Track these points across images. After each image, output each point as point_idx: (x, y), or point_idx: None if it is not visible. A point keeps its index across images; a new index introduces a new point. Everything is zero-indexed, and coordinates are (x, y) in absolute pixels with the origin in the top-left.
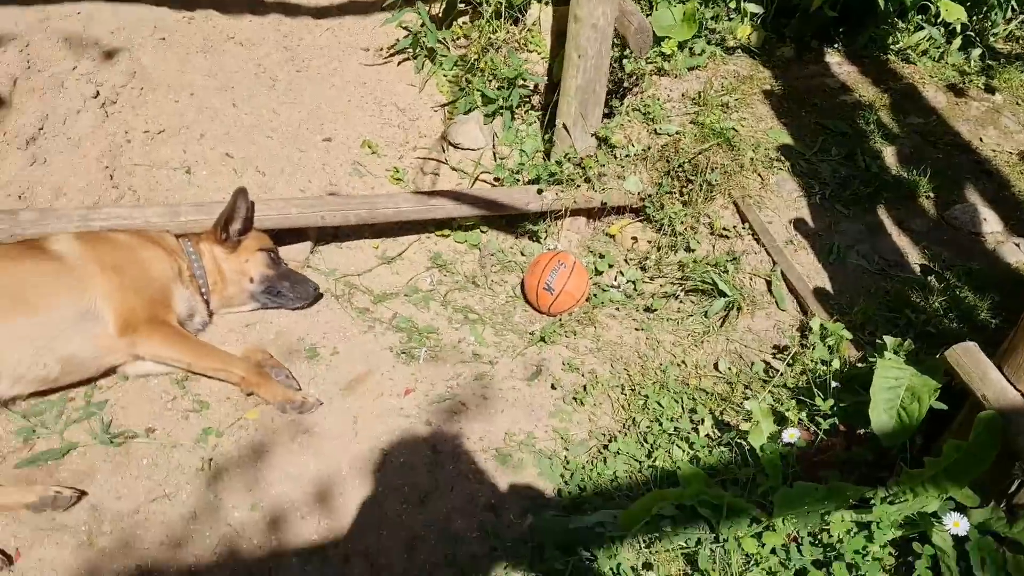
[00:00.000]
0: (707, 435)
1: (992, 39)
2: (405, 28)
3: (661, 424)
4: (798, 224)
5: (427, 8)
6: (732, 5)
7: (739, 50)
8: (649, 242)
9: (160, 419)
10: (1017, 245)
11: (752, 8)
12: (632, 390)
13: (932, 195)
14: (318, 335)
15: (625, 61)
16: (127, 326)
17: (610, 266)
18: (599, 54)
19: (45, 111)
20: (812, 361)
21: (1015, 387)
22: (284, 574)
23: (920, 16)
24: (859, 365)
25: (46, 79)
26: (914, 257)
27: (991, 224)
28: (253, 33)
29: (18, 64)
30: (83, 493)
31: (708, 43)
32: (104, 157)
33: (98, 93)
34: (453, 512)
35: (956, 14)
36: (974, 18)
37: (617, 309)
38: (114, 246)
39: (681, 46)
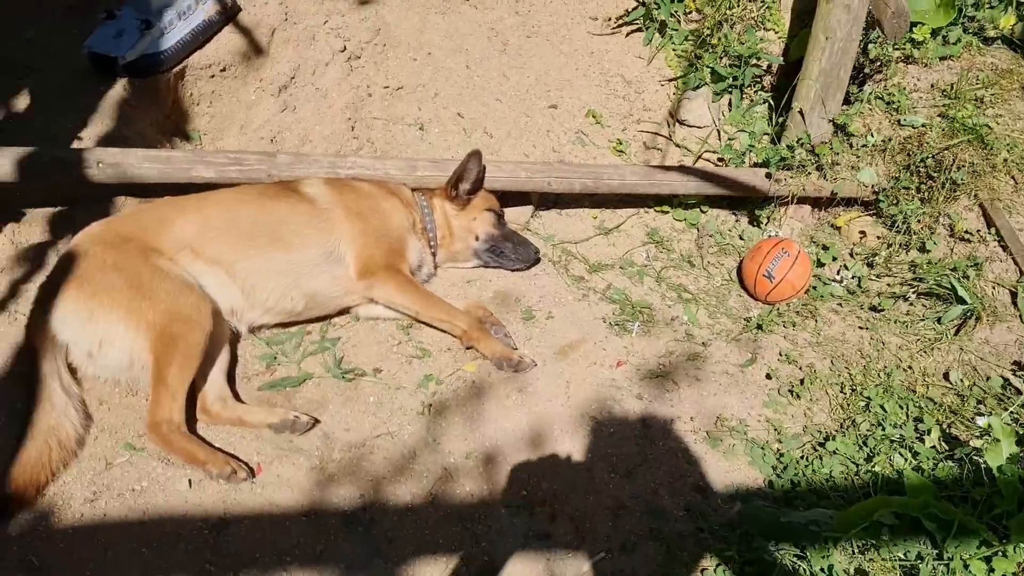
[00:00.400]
0: (933, 447)
1: None
2: None
3: (883, 429)
4: None
5: None
6: None
7: (999, 41)
8: (879, 238)
9: (386, 361)
10: None
11: None
12: (853, 390)
13: None
14: (534, 298)
15: (871, 45)
16: (366, 270)
17: (834, 259)
18: (848, 37)
19: (297, 62)
20: None
21: None
22: (493, 523)
23: None
24: None
25: (300, 31)
26: None
27: None
28: None
29: (277, 16)
30: (316, 421)
31: (965, 32)
32: (347, 109)
33: (345, 47)
34: (660, 488)
35: None
36: None
37: (840, 304)
38: (359, 194)
39: (934, 33)
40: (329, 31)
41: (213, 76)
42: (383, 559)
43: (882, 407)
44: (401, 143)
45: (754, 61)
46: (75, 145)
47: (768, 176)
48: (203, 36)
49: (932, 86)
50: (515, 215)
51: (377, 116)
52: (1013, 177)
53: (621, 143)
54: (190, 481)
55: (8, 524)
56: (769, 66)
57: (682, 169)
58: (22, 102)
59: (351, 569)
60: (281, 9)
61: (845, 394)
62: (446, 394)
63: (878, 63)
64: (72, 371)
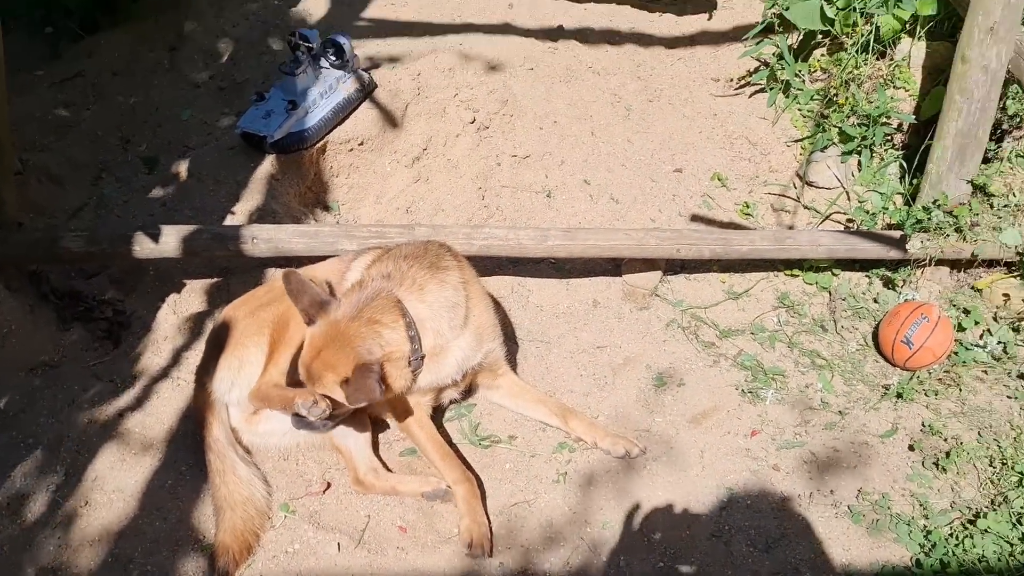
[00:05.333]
0: None
1: None
2: (760, 60)
3: None
4: None
5: (786, 38)
6: None
7: None
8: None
9: (520, 428)
10: None
11: None
12: (1003, 463)
13: None
14: (665, 364)
15: (1009, 101)
16: None
17: (976, 323)
18: (986, 98)
19: (429, 134)
20: None
21: None
22: None
23: None
24: None
25: (431, 104)
26: None
27: None
28: (609, 63)
29: (411, 91)
30: None
31: None
32: (477, 178)
33: (474, 119)
34: (801, 565)
35: None
36: None
37: (985, 372)
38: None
39: None
40: (459, 103)
41: (351, 150)
42: None
43: None
44: (529, 210)
45: (884, 120)
46: (228, 219)
47: (903, 238)
48: (343, 112)
49: None
50: (643, 281)
51: (505, 184)
52: None
53: (748, 206)
54: (339, 545)
55: None
56: (900, 124)
57: (813, 232)
58: (182, 178)
59: None
60: (414, 84)
61: (995, 468)
62: (580, 463)
63: (1018, 119)
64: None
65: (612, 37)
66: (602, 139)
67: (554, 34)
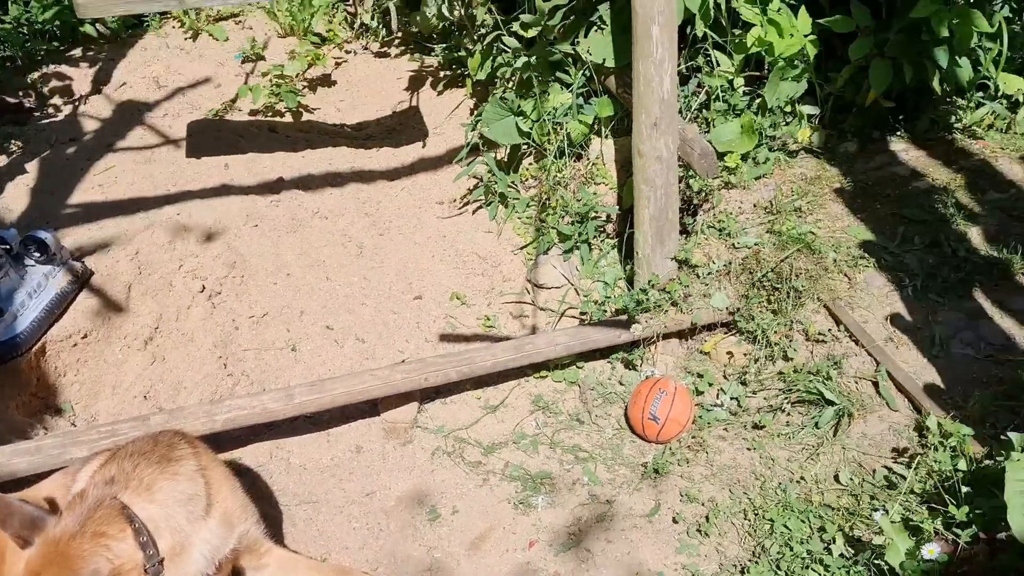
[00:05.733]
0: (841, 554)
1: None
2: (475, 177)
3: (792, 548)
4: (895, 320)
5: (494, 155)
6: (788, 110)
7: (802, 152)
8: (745, 355)
9: None
10: None
11: (808, 110)
12: (756, 514)
13: None
14: (436, 494)
15: (692, 180)
16: None
17: (710, 384)
18: (667, 183)
19: (158, 311)
20: (936, 462)
21: None
22: None
23: (980, 93)
24: (987, 463)
25: (156, 281)
26: (1021, 337)
27: None
28: (335, 205)
29: (130, 271)
30: None
31: (770, 150)
32: (216, 347)
33: (203, 287)
34: None
35: (1016, 85)
36: None
37: (725, 429)
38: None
39: (744, 157)
40: (185, 274)
41: (75, 344)
42: None
43: (785, 526)
44: (276, 369)
45: (593, 214)
46: None
47: (630, 321)
48: (58, 308)
49: (755, 205)
50: (401, 415)
51: (247, 347)
52: (845, 274)
53: (489, 319)
54: None
55: None
56: (608, 216)
57: (548, 334)
58: None
59: None
60: (134, 264)
61: (750, 520)
62: None
63: (704, 193)
64: None
65: (334, 180)
66: (339, 281)
67: (275, 187)
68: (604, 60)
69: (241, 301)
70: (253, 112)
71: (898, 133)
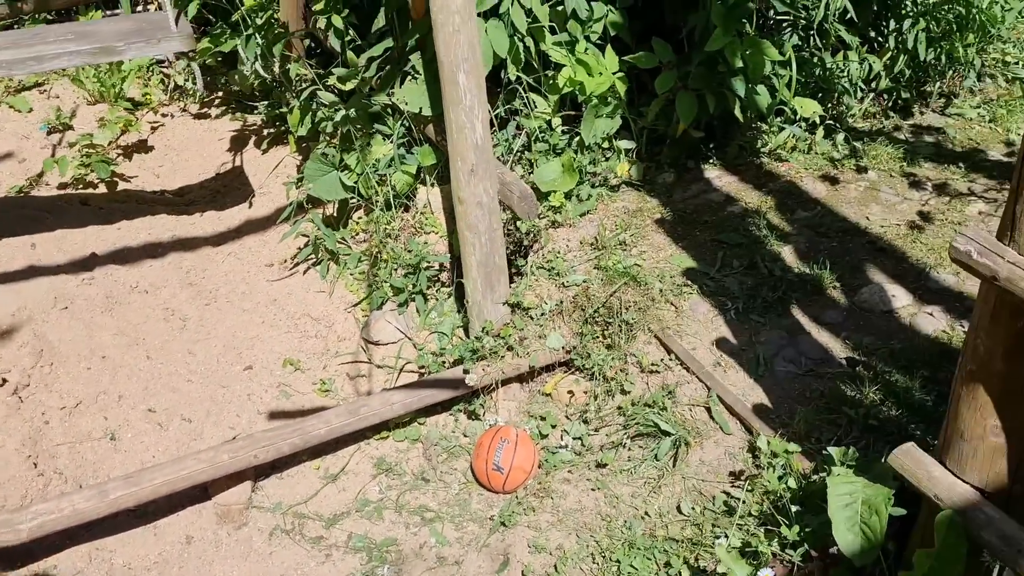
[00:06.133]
0: None
1: (851, 120)
2: (305, 236)
3: None
4: (720, 344)
5: (321, 211)
6: (605, 146)
7: (623, 186)
8: (585, 392)
9: None
10: (930, 314)
11: (625, 145)
12: (603, 556)
13: (838, 284)
14: None
15: (520, 222)
16: None
17: (553, 427)
18: (491, 228)
19: None
20: (768, 482)
21: (963, 480)
22: None
23: (779, 118)
24: (814, 479)
25: None
26: (838, 350)
27: (900, 299)
28: (156, 278)
29: None
30: None
31: (593, 186)
32: (24, 446)
33: (5, 381)
34: None
35: (811, 108)
36: (829, 106)
37: (570, 471)
38: None
39: (568, 195)
40: None
41: None
42: None
43: (632, 566)
44: (93, 462)
45: (425, 264)
46: None
47: (466, 372)
48: None
49: (581, 242)
50: (234, 497)
51: (60, 442)
52: (672, 303)
53: (325, 383)
54: None
55: None
56: (441, 264)
57: (384, 394)
58: None
59: None
60: None
61: (598, 564)
62: None
63: (532, 235)
64: None
65: (154, 250)
66: (160, 360)
67: (88, 263)
68: (421, 109)
69: (51, 392)
70: (62, 186)
71: (711, 160)
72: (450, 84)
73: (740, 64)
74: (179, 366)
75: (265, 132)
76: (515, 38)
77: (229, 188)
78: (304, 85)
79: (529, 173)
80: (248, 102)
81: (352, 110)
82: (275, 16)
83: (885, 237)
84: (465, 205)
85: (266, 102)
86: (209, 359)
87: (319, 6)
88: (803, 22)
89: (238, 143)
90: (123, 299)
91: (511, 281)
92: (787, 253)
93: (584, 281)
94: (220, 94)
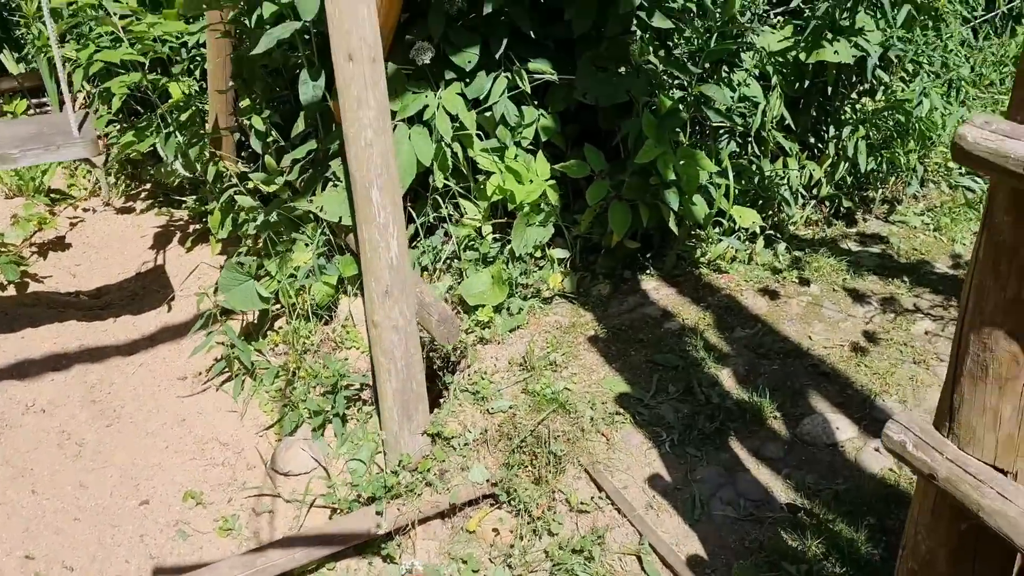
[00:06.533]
0: None
1: (792, 228)
2: (223, 344)
3: None
4: (654, 481)
5: (242, 318)
6: (538, 255)
7: (556, 297)
8: (511, 531)
9: None
10: (876, 450)
11: (558, 254)
12: None
13: (779, 414)
14: None
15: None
16: None
17: (475, 572)
18: (408, 354)
19: None
20: None
21: None
22: None
23: (717, 229)
24: None
25: None
26: (779, 490)
27: (844, 431)
28: (56, 394)
29: None
30: None
31: (524, 299)
32: None
33: None
34: None
35: (750, 219)
36: (770, 212)
37: None
38: None
39: (498, 309)
40: None
41: None
42: None
43: None
44: None
45: (345, 384)
46: None
47: (378, 514)
48: None
49: (510, 362)
50: None
51: None
52: (603, 434)
53: (228, 520)
54: None
55: None
56: (362, 384)
57: (286, 542)
58: None
59: None
60: None
61: None
62: None
63: (458, 351)
64: None
65: (58, 362)
66: (47, 494)
67: None
68: (340, 218)
69: None
70: None
71: (648, 271)
72: (363, 201)
73: (673, 176)
74: (67, 501)
75: (191, 228)
76: (442, 144)
77: (148, 290)
78: (226, 184)
79: (458, 283)
80: (175, 196)
81: (274, 214)
82: (203, 110)
83: (828, 360)
84: (379, 329)
85: (194, 196)
86: (102, 492)
87: (245, 102)
88: (740, 128)
89: (162, 240)
90: (15, 421)
91: (435, 404)
92: (725, 377)
93: (511, 407)
94: (148, 186)
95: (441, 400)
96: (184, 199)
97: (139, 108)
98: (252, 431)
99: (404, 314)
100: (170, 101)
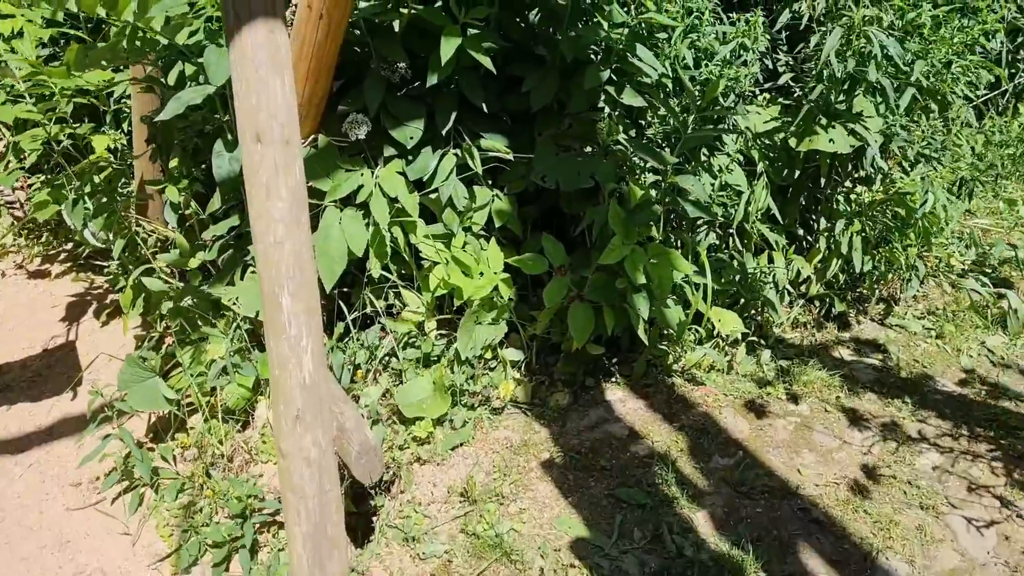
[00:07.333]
0: None
1: (778, 330)
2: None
3: None
4: None
5: (149, 418)
6: (489, 356)
7: (508, 407)
8: None
9: None
10: None
11: (512, 355)
12: None
13: (763, 573)
14: None
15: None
16: None
17: None
18: (321, 491)
19: None
20: None
21: None
22: None
23: (693, 336)
24: None
25: None
26: None
27: None
28: None
29: None
30: None
31: (471, 409)
32: None
33: None
34: None
35: (731, 324)
36: (752, 312)
37: None
38: None
39: (439, 421)
40: None
41: None
42: None
43: None
44: None
45: (258, 506)
46: None
47: None
48: None
49: (449, 489)
50: None
51: None
52: None
53: None
54: None
55: None
56: (278, 509)
57: None
58: None
59: None
60: None
61: None
62: None
63: (391, 470)
64: None
65: None
66: None
67: None
68: (257, 313)
69: None
70: None
71: (613, 379)
72: (271, 308)
73: (643, 279)
74: None
75: (110, 299)
76: (379, 229)
77: (53, 371)
78: (137, 259)
79: (396, 385)
80: (96, 260)
81: (188, 299)
82: (129, 169)
83: (821, 503)
84: (288, 460)
85: (117, 261)
86: None
87: (174, 163)
88: (721, 219)
89: (75, 311)
90: None
91: (362, 539)
92: (701, 521)
93: (446, 552)
94: (69, 246)
95: (371, 528)
96: (106, 263)
97: (63, 162)
98: (144, 562)
99: (319, 443)
100: (90, 157)
